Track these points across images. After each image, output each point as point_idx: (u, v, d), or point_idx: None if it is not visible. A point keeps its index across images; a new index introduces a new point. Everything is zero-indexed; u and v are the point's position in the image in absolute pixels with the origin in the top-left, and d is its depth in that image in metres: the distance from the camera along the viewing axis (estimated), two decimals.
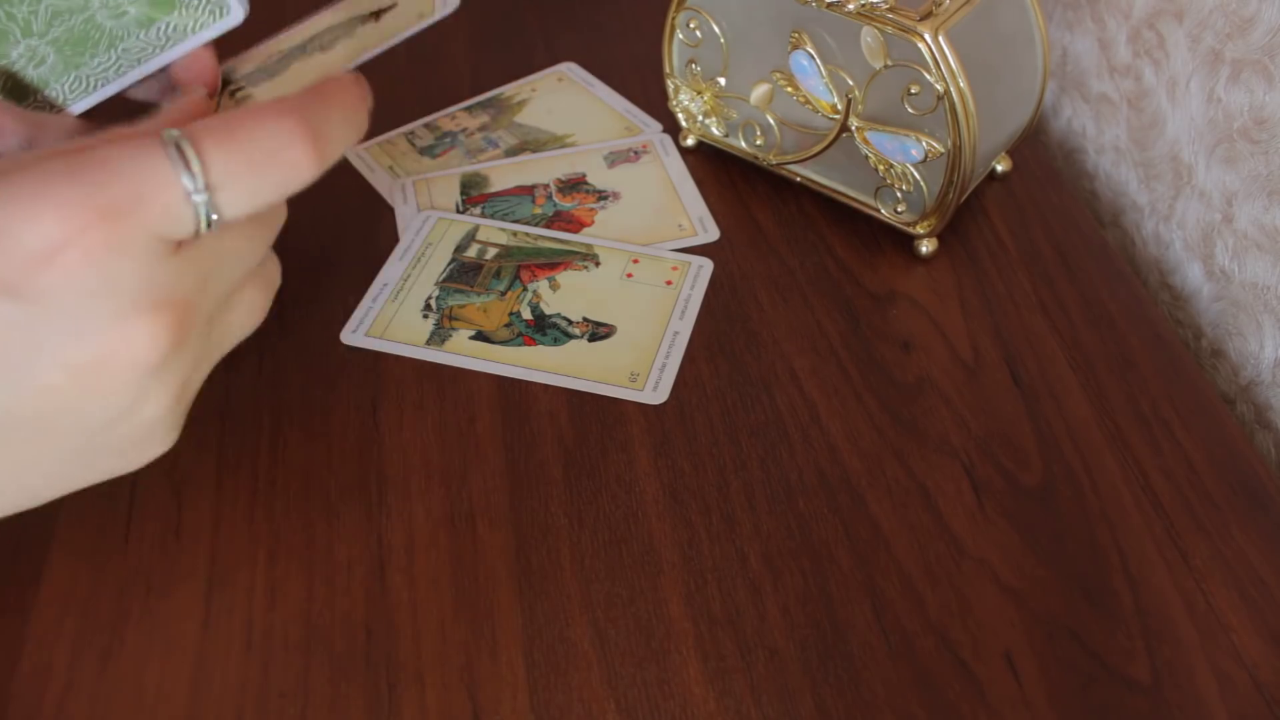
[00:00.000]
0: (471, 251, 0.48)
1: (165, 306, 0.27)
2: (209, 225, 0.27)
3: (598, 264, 0.47)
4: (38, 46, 0.37)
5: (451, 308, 0.46)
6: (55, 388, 0.27)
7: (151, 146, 0.26)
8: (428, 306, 0.46)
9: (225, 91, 0.40)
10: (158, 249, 0.27)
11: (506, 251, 0.48)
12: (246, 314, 0.32)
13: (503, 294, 0.46)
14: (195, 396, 0.31)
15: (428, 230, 0.49)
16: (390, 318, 0.45)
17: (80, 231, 0.25)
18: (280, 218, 0.32)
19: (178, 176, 0.26)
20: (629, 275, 0.47)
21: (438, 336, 0.45)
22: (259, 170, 0.27)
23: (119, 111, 0.45)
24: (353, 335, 0.45)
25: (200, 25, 0.37)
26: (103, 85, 0.38)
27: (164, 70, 0.40)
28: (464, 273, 0.47)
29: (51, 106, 0.39)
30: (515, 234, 0.49)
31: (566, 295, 0.46)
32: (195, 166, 0.26)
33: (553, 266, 0.47)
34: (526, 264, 0.48)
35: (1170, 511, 0.38)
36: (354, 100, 0.30)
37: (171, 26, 0.37)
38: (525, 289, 0.46)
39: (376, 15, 0.40)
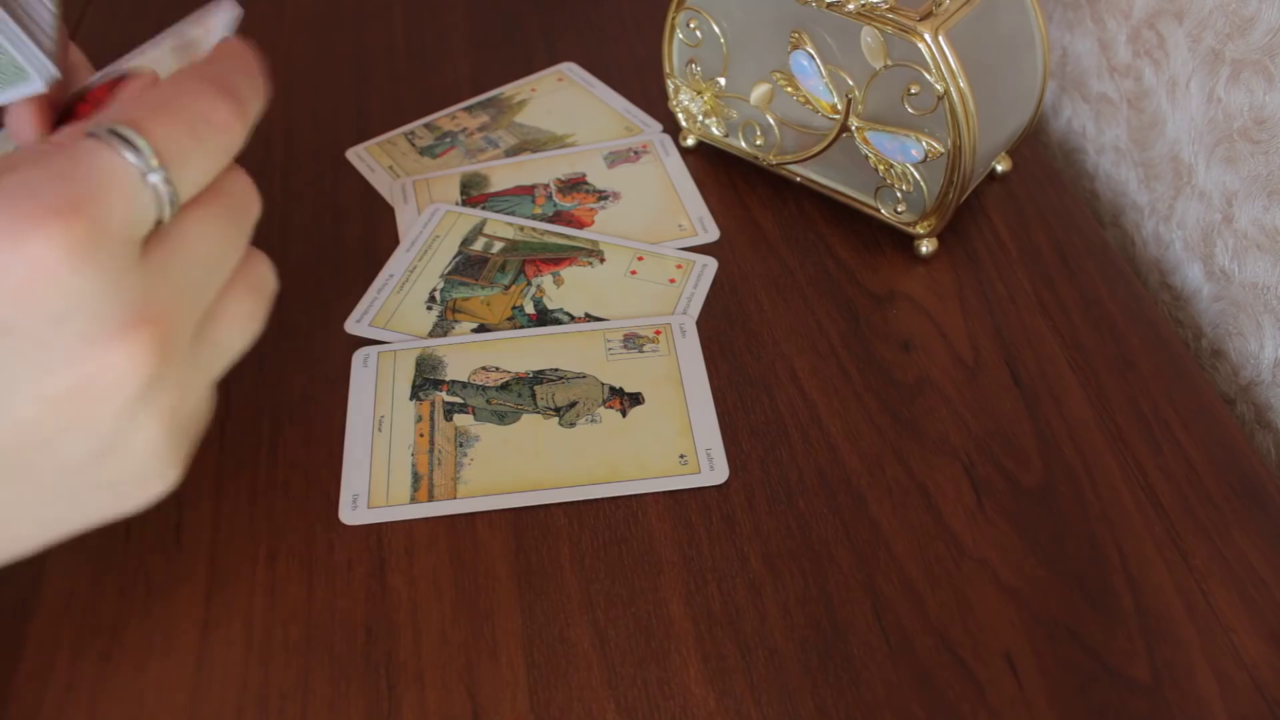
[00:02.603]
0: (478, 245, 0.48)
1: (141, 323, 0.25)
2: (171, 206, 0.26)
3: (602, 260, 0.47)
4: None
5: (455, 300, 0.46)
6: (30, 422, 0.25)
7: (89, 142, 0.25)
8: (431, 299, 0.46)
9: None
10: (123, 255, 0.25)
11: (512, 246, 0.48)
12: (238, 326, 0.29)
13: (506, 288, 0.46)
14: (198, 426, 0.29)
15: (435, 223, 0.49)
16: (394, 309, 0.46)
17: (35, 242, 0.23)
18: (250, 209, 0.30)
19: (126, 160, 0.25)
20: (633, 272, 0.47)
21: (440, 329, 0.45)
22: (199, 136, 0.27)
23: None
24: (357, 325, 0.45)
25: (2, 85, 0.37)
26: None
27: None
28: (469, 266, 0.47)
29: None
30: (522, 229, 0.49)
31: (570, 290, 0.46)
32: (141, 143, 0.25)
33: (558, 262, 0.47)
34: (532, 259, 0.48)
35: (1170, 511, 0.38)
36: (249, 62, 0.30)
37: None
38: (529, 283, 0.47)
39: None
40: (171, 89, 0.27)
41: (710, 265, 0.47)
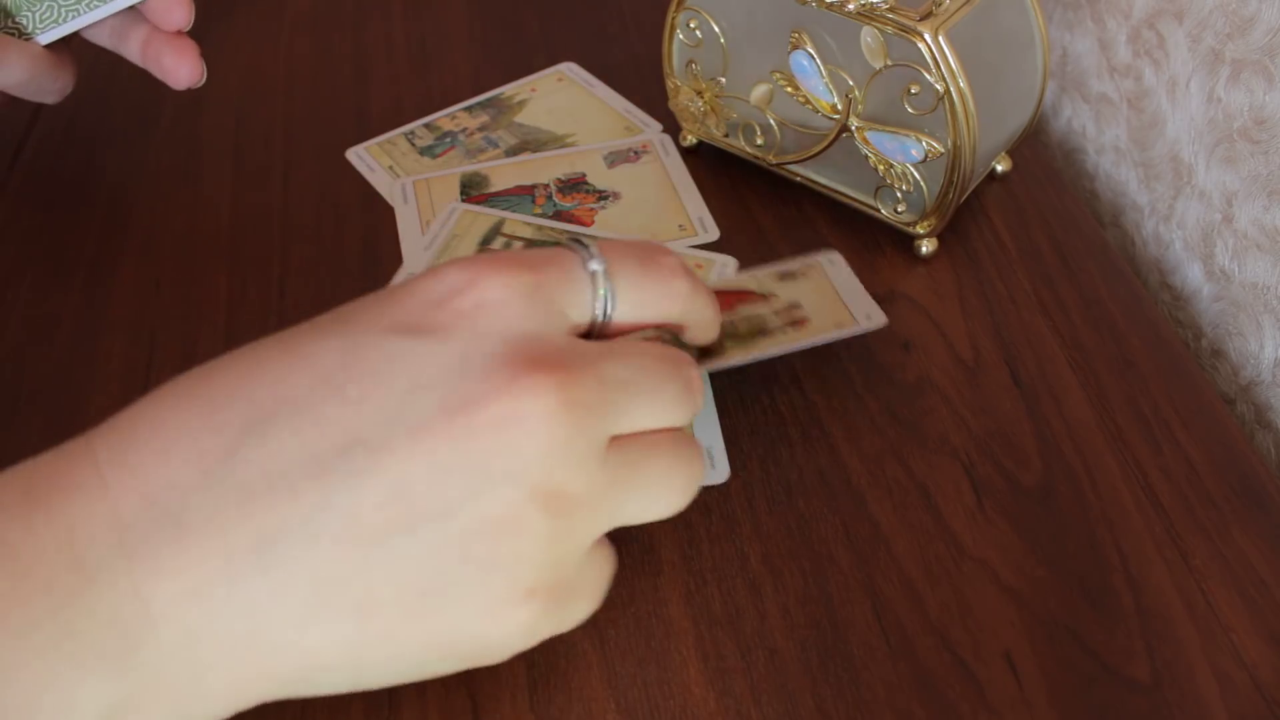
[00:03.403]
0: (497, 244, 0.48)
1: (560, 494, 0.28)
2: (605, 311, 0.31)
3: None
4: None
5: None
6: (446, 562, 0.27)
7: (563, 245, 0.31)
8: None
9: None
10: (596, 438, 0.28)
11: (531, 245, 0.48)
12: (610, 562, 0.32)
13: None
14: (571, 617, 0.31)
15: (454, 222, 0.49)
16: None
17: (524, 386, 0.27)
18: (696, 478, 0.32)
19: (584, 259, 0.31)
20: None
21: None
22: (649, 277, 0.31)
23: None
24: None
25: None
26: (72, 18, 0.40)
27: (129, 12, 0.42)
28: None
29: (20, 33, 0.39)
30: (540, 228, 0.49)
31: None
32: (596, 253, 0.31)
33: None
34: None
35: (1170, 511, 0.38)
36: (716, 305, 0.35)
37: None
38: None
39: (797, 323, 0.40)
40: (648, 247, 0.33)
41: (730, 265, 0.47)
